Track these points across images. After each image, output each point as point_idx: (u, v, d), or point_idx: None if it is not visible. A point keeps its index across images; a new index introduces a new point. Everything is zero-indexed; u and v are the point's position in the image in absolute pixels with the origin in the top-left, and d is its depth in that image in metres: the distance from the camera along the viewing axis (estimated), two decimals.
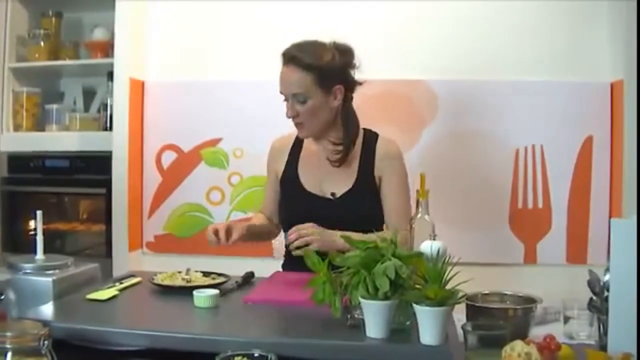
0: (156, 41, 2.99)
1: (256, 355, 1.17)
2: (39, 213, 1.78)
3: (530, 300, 1.56)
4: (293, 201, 2.05)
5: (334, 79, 1.95)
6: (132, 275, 1.89)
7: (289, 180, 2.06)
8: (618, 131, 2.61)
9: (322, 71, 1.92)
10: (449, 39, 2.78)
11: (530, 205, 2.76)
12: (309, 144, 2.09)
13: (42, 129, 3.04)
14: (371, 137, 2.07)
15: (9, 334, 1.25)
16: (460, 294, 1.32)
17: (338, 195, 1.98)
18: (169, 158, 2.98)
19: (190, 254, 2.85)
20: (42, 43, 3.00)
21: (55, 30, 3.06)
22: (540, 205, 2.76)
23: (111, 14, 2.84)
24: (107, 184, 2.86)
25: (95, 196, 2.97)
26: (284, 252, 2.09)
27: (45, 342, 1.25)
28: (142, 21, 2.97)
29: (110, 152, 2.86)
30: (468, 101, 2.77)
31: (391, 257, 1.32)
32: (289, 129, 2.09)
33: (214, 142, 2.95)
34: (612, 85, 2.67)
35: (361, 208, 1.97)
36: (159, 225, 2.99)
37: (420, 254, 1.38)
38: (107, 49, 2.98)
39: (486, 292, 1.61)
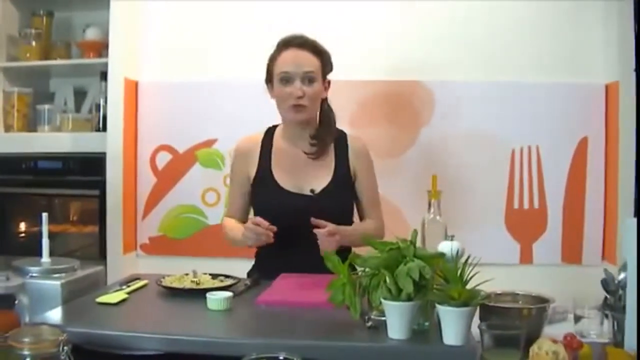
0: (150, 41, 2.97)
1: (281, 358, 1.14)
2: (44, 215, 1.76)
3: (543, 300, 1.57)
4: (269, 200, 2.03)
5: (328, 71, 2.08)
6: (138, 278, 1.87)
7: (263, 181, 2.06)
8: (613, 132, 2.65)
9: (325, 59, 2.05)
10: (444, 39, 2.80)
11: (526, 205, 2.79)
12: (278, 142, 2.11)
13: (34, 130, 2.98)
14: (341, 135, 2.12)
15: (27, 339, 1.22)
16: (482, 294, 1.33)
17: (317, 191, 2.01)
18: (163, 159, 2.95)
19: (185, 256, 2.83)
20: (33, 43, 2.95)
21: (46, 29, 3.01)
22: (536, 205, 2.78)
23: (102, 14, 2.80)
24: (101, 186, 2.82)
25: (89, 198, 2.91)
26: None
27: (65, 347, 1.23)
28: (136, 21, 2.94)
29: (103, 153, 2.81)
30: (464, 102, 2.79)
31: (413, 258, 1.32)
32: None
33: (210, 143, 2.93)
34: (607, 87, 2.71)
35: (339, 203, 2.04)
36: (154, 227, 2.96)
37: (441, 255, 1.38)
38: (99, 48, 2.94)
39: (499, 292, 1.62)
